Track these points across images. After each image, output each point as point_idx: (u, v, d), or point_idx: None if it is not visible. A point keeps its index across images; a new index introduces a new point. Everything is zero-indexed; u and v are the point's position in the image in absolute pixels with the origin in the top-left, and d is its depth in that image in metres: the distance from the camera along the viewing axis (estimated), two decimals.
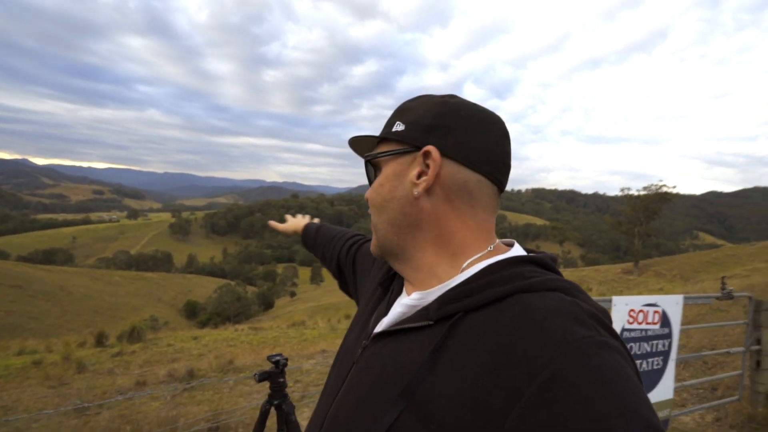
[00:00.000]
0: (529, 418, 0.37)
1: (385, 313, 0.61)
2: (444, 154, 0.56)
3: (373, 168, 0.64)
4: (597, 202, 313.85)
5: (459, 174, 0.56)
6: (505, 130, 0.61)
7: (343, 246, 1.03)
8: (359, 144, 0.70)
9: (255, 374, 1.24)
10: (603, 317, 0.46)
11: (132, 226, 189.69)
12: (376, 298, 0.70)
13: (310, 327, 12.78)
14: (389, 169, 0.61)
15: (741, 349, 3.81)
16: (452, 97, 0.61)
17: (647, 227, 43.98)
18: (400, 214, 0.59)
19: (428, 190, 0.56)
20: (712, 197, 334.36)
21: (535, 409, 0.37)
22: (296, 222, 1.34)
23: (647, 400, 0.38)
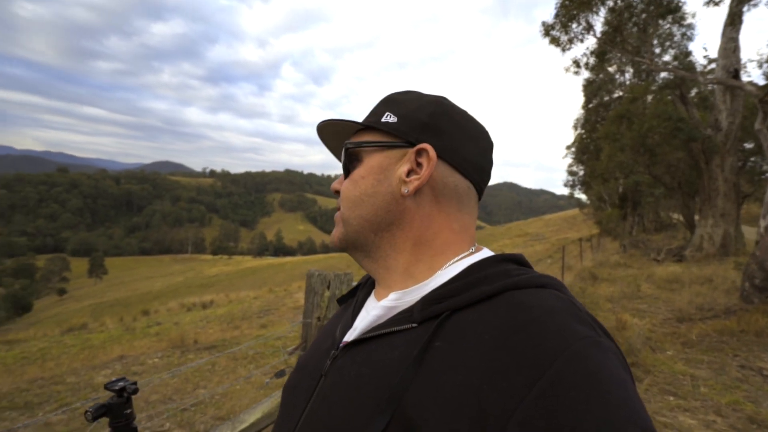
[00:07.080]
0: (530, 424, 0.35)
1: (352, 321, 0.58)
2: (439, 155, 0.55)
3: (351, 158, 0.59)
4: None
5: (451, 177, 0.56)
6: (492, 141, 0.61)
7: None
8: (330, 130, 0.62)
9: (87, 410, 0.87)
10: (593, 317, 0.45)
11: None
12: (336, 316, 0.67)
13: (96, 330, 10.52)
14: (374, 161, 0.57)
15: None
16: (445, 99, 0.60)
17: None
18: (382, 211, 0.55)
19: (417, 190, 0.54)
20: None
21: (535, 416, 0.35)
22: None
23: (641, 401, 0.38)
